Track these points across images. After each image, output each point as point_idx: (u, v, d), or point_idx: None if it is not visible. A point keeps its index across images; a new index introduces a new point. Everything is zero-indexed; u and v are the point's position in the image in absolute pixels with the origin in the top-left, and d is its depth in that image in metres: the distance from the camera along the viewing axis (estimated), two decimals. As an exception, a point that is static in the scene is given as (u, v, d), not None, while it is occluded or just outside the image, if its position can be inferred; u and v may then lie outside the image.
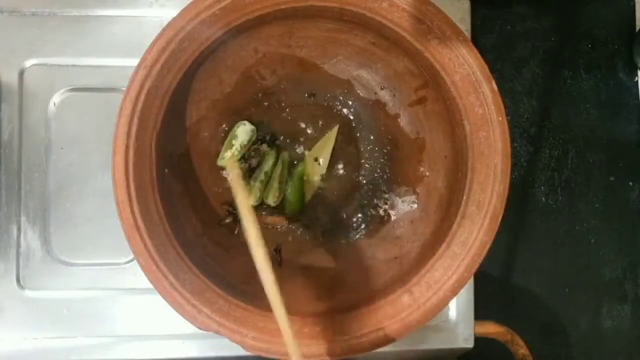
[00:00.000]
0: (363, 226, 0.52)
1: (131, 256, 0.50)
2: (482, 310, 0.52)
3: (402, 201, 0.51)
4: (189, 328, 0.42)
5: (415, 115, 0.51)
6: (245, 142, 0.50)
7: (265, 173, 0.51)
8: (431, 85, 0.48)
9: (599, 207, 0.60)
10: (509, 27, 0.60)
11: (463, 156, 0.45)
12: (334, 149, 0.52)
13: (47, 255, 0.50)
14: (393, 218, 0.51)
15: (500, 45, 0.60)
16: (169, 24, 0.42)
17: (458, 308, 0.52)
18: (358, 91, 0.52)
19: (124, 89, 0.42)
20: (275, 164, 0.51)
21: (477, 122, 0.43)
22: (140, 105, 0.42)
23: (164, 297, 0.42)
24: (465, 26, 0.53)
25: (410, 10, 0.43)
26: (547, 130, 0.60)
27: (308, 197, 0.52)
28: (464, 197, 0.44)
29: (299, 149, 0.52)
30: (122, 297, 0.51)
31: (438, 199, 0.49)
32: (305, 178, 0.51)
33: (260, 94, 0.51)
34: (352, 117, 0.53)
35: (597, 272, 0.59)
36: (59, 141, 0.51)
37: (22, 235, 0.50)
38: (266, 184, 0.51)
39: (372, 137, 0.52)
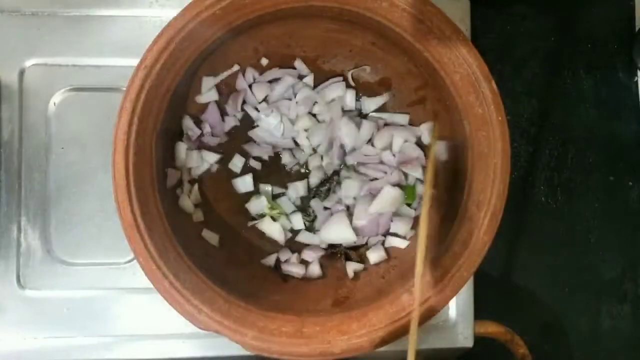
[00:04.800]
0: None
1: (131, 256, 0.50)
2: (481, 309, 0.52)
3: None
4: (189, 328, 0.42)
5: (415, 115, 0.51)
6: None
7: None
8: (431, 85, 0.48)
9: (598, 207, 0.60)
10: (508, 27, 0.60)
11: (463, 156, 0.45)
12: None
13: (47, 255, 0.50)
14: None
15: (500, 45, 0.60)
16: (169, 24, 0.42)
17: (458, 308, 0.52)
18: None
19: (124, 89, 0.42)
20: None
21: (476, 122, 0.43)
22: (140, 105, 0.42)
23: (164, 297, 0.42)
24: (465, 26, 0.53)
25: (410, 10, 0.43)
26: (547, 130, 0.60)
27: None
28: (464, 197, 0.44)
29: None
30: (122, 297, 0.51)
31: (438, 199, 0.49)
32: None
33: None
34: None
35: (597, 272, 0.59)
36: (59, 141, 0.51)
37: (22, 235, 0.50)
38: None
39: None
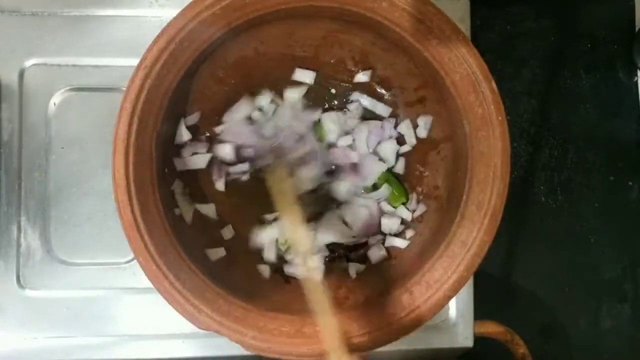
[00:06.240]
0: (363, 226, 0.52)
1: (131, 256, 0.50)
2: (481, 309, 0.52)
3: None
4: (188, 327, 0.42)
5: (415, 115, 0.51)
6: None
7: None
8: (431, 85, 0.48)
9: (598, 207, 0.60)
10: (508, 27, 0.60)
11: (463, 156, 0.45)
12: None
13: (47, 255, 0.50)
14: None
15: (500, 45, 0.60)
16: (170, 24, 0.42)
17: (458, 308, 0.52)
18: (358, 91, 0.52)
19: (124, 89, 0.42)
20: None
21: (476, 122, 0.43)
22: (140, 105, 0.42)
23: (164, 297, 0.42)
24: (465, 26, 0.53)
25: (410, 10, 0.43)
26: (547, 130, 0.60)
27: None
28: (464, 197, 0.44)
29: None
30: (122, 296, 0.51)
31: (438, 199, 0.49)
32: None
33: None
34: (352, 117, 0.53)
35: (597, 272, 0.59)
36: (59, 141, 0.51)
37: (22, 235, 0.51)
38: None
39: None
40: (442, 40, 0.43)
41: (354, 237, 0.49)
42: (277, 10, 0.44)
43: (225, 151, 0.49)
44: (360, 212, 0.49)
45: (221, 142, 0.50)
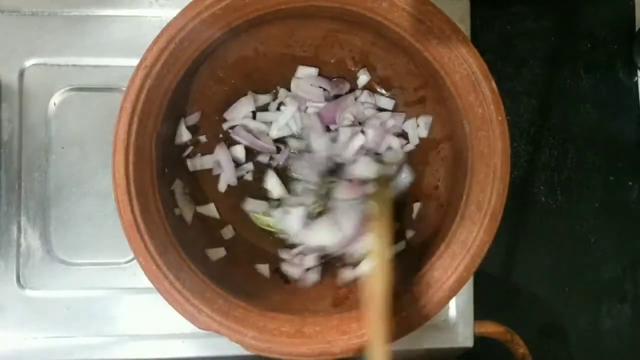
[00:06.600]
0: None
1: (131, 256, 0.50)
2: (481, 309, 0.52)
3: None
4: (189, 327, 0.42)
5: (415, 115, 0.51)
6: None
7: None
8: (431, 85, 0.48)
9: (598, 207, 0.60)
10: (508, 27, 0.60)
11: (463, 156, 0.45)
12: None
13: (47, 255, 0.50)
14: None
15: (500, 45, 0.60)
16: (170, 24, 0.42)
17: (458, 308, 0.52)
18: (357, 91, 0.52)
19: (124, 89, 0.42)
20: None
21: (476, 122, 0.43)
22: (140, 105, 0.42)
23: (164, 297, 0.42)
24: (465, 26, 0.53)
25: (410, 10, 0.43)
26: (547, 130, 0.60)
27: None
28: (464, 197, 0.44)
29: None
30: (122, 296, 0.51)
31: (438, 198, 0.49)
32: None
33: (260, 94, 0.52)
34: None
35: (597, 272, 0.59)
36: (59, 141, 0.51)
37: (22, 235, 0.51)
38: None
39: (372, 137, 0.52)
40: (442, 40, 0.43)
41: (342, 243, 0.48)
42: (277, 10, 0.44)
43: (238, 152, 0.50)
44: (352, 215, 0.48)
45: (233, 142, 0.50)
